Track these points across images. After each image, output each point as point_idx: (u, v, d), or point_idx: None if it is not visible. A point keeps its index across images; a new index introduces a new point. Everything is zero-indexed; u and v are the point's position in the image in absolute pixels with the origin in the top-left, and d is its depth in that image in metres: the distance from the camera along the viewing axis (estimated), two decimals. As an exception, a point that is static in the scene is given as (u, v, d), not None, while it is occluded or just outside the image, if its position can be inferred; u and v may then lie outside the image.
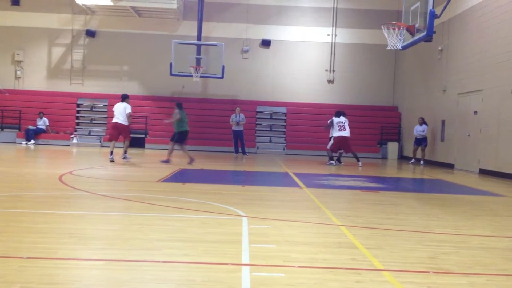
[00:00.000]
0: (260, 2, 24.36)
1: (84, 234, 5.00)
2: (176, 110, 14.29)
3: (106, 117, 23.66)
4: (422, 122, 19.35)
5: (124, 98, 14.04)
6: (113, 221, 5.78)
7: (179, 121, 14.16)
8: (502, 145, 14.24)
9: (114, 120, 13.78)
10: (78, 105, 23.99)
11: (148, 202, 7.10)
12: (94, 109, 23.95)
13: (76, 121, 23.75)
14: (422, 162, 19.15)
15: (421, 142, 19.31)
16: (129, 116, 13.71)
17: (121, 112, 13.67)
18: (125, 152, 14.13)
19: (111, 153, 13.74)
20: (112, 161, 13.58)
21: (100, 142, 22.56)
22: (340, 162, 16.75)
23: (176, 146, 14.39)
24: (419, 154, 19.48)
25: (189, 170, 12.70)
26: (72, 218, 5.88)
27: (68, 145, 21.95)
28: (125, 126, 13.71)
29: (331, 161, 16.17)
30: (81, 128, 23.48)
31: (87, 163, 14.52)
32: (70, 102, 23.88)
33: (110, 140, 14.42)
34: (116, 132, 13.84)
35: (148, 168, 12.88)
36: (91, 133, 23.25)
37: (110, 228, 5.36)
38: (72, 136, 22.53)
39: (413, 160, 19.65)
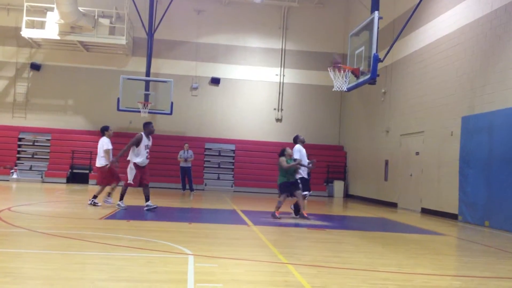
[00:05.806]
0: (209, 41, 24.67)
1: (21, 273, 4.76)
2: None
3: (48, 152, 23.01)
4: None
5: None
6: (53, 260, 5.54)
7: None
8: (443, 185, 14.71)
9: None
10: (20, 139, 23.20)
11: (90, 240, 6.86)
12: (36, 143, 23.21)
13: (17, 155, 22.89)
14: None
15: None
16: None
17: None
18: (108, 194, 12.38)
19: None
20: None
21: (42, 177, 21.81)
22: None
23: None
24: None
25: (134, 207, 12.40)
26: (8, 256, 5.60)
27: (8, 180, 21.08)
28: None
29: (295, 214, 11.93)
30: (22, 163, 22.65)
31: (27, 199, 13.95)
32: (11, 136, 23.06)
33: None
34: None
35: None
36: (33, 168, 22.46)
37: (49, 267, 5.13)
38: (12, 171, 21.69)
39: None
